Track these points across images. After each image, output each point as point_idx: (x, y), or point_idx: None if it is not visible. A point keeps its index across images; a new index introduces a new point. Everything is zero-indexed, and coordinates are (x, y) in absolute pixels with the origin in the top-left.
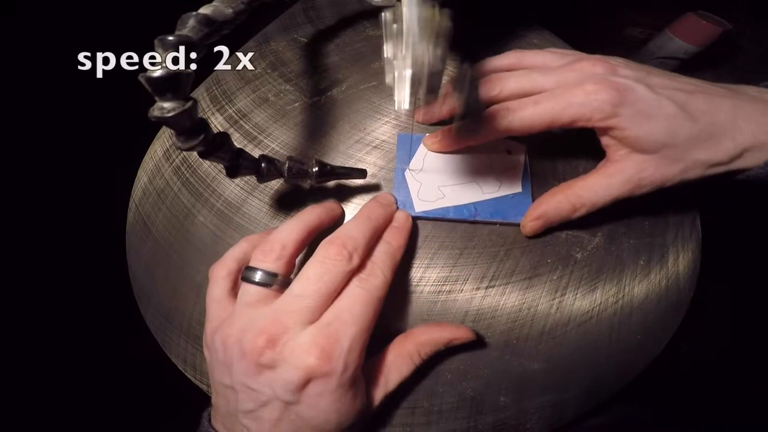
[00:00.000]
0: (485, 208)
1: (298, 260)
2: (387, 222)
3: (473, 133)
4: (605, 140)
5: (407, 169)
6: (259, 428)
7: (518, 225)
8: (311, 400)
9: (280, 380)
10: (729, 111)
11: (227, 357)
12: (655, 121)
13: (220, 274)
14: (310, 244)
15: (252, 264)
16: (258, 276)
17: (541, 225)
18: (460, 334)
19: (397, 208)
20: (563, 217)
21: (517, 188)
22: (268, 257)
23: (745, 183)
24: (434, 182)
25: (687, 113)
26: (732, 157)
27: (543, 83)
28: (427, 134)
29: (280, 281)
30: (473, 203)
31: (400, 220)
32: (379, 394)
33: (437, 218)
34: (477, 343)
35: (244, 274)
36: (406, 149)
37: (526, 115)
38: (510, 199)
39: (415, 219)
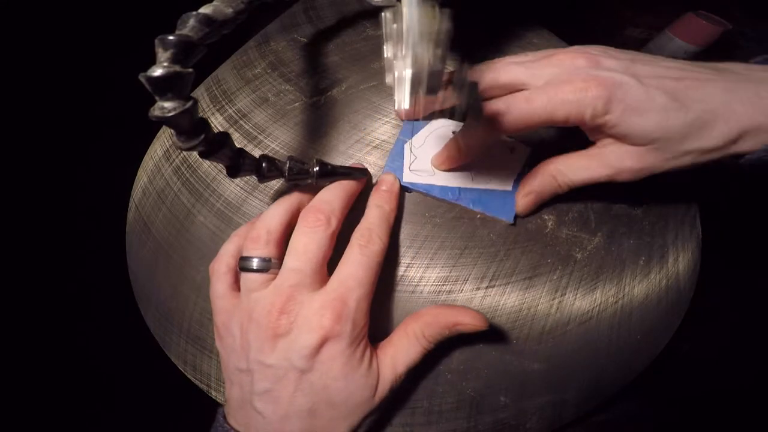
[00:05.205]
0: (469, 195)
1: None
2: (361, 181)
3: (472, 139)
4: (593, 135)
5: (408, 141)
6: (274, 410)
7: (497, 219)
8: (324, 366)
9: (296, 346)
10: (722, 95)
11: (244, 339)
12: (646, 115)
13: (221, 270)
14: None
15: (245, 254)
16: (254, 263)
17: (533, 200)
18: (467, 319)
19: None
20: (551, 190)
21: (508, 186)
22: (258, 244)
23: (748, 169)
24: (429, 158)
25: (678, 102)
26: (727, 141)
27: (523, 77)
28: (436, 154)
29: (275, 264)
30: (459, 188)
31: (388, 182)
32: (388, 375)
33: (420, 192)
34: (479, 340)
35: (240, 264)
36: (410, 124)
37: (519, 114)
38: (496, 194)
39: (403, 190)
